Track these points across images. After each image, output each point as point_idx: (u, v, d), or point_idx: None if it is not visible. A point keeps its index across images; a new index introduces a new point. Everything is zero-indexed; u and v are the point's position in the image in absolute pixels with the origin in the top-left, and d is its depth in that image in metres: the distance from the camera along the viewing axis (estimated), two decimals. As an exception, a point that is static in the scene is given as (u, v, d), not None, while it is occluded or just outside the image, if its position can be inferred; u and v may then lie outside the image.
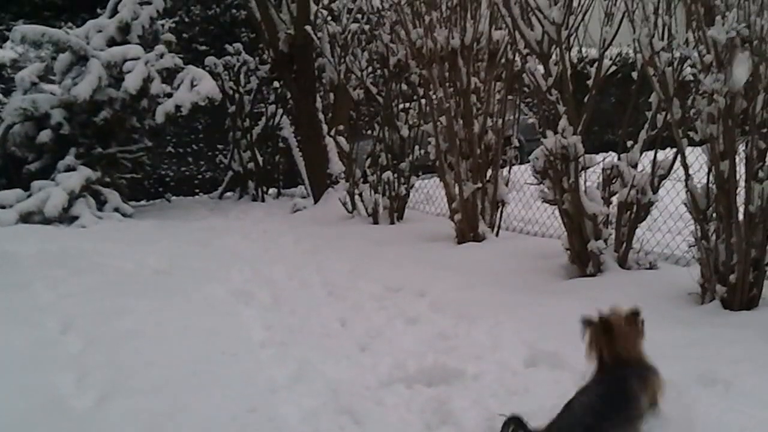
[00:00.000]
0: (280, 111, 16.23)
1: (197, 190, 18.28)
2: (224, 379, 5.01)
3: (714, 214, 6.32)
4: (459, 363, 5.03)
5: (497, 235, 9.65)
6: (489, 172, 9.58)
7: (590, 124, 7.87)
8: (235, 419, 4.38)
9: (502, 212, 9.81)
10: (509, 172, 9.90)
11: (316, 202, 14.05)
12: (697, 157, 6.56)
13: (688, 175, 6.53)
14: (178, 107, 13.21)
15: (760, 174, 6.00)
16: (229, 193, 17.10)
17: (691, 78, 6.56)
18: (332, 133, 12.77)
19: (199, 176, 18.49)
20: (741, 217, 6.09)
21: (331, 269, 8.31)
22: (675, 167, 7.22)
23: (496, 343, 5.48)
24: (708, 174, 6.34)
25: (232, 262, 8.98)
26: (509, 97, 9.74)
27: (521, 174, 9.98)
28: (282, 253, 9.74)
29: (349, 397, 4.62)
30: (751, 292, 6.15)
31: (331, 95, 13.87)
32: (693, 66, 6.44)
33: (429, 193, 12.65)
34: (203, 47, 17.39)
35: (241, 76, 16.15)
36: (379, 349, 5.59)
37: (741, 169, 6.09)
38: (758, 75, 5.88)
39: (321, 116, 14.10)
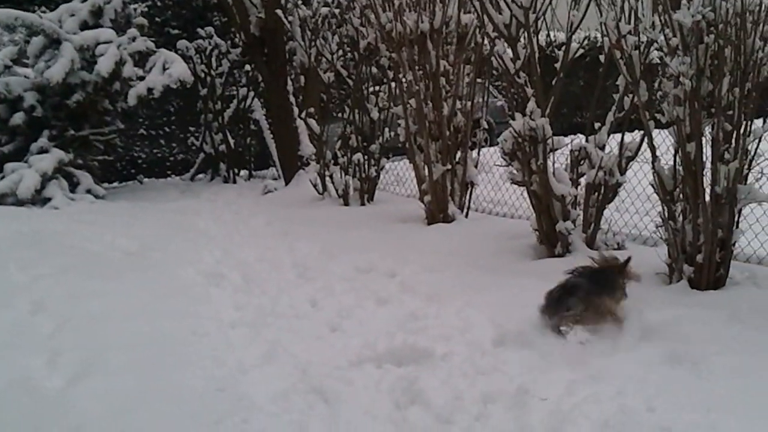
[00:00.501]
0: (252, 94, 16.05)
1: (169, 172, 18.03)
2: (194, 360, 4.89)
3: (681, 195, 6.26)
4: (428, 343, 4.92)
5: (467, 216, 9.55)
6: (458, 154, 9.48)
7: (558, 107, 7.78)
8: (205, 399, 4.28)
9: (471, 193, 9.71)
10: (478, 153, 9.79)
11: (287, 183, 13.89)
12: (664, 139, 6.49)
13: (655, 157, 6.46)
14: (150, 90, 12.98)
15: (726, 155, 5.94)
16: (200, 175, 16.91)
17: (658, 61, 6.46)
18: (303, 115, 12.62)
19: (171, 158, 18.23)
20: (707, 198, 6.04)
21: (301, 250, 8.16)
22: (642, 149, 7.15)
23: (466, 324, 5.37)
24: (675, 155, 6.27)
25: (204, 244, 8.82)
26: (478, 80, 9.63)
27: (490, 156, 9.91)
28: (253, 234, 9.57)
29: (319, 377, 4.51)
30: (717, 272, 6.10)
31: (302, 78, 13.68)
32: (659, 49, 6.35)
33: (399, 175, 12.53)
34: (175, 31, 17.11)
35: (213, 60, 15.93)
36: (349, 330, 5.48)
37: (707, 151, 6.03)
38: (723, 58, 5.80)
39: (292, 99, 13.96)
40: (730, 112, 5.91)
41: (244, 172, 16.44)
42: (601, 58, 7.40)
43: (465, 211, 9.57)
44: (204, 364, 4.81)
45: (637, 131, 7.12)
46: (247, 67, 15.86)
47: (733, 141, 5.94)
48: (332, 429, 3.89)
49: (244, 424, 3.97)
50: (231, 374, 4.68)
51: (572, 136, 7.86)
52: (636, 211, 8.19)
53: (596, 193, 7.57)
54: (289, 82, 14.13)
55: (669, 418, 3.66)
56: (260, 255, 8.16)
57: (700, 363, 4.38)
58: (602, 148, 7.52)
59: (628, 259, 5.55)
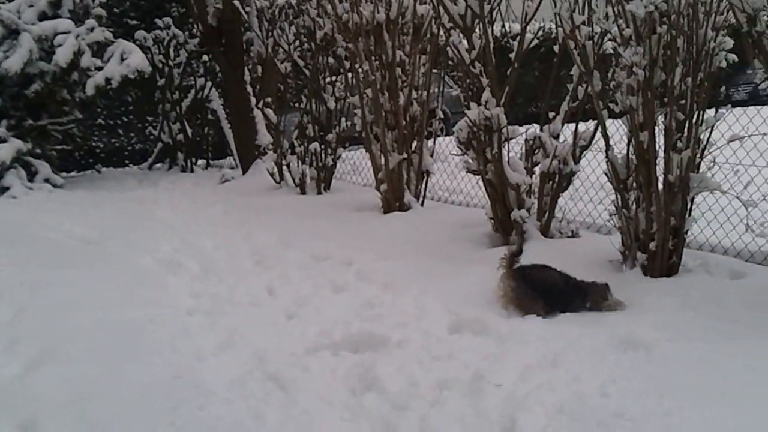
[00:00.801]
0: (209, 84, 15.96)
1: (127, 162, 17.81)
2: (152, 348, 4.80)
3: (634, 184, 6.23)
4: (384, 330, 4.85)
5: (422, 204, 9.48)
6: (414, 143, 9.40)
7: (514, 97, 7.73)
8: (161, 386, 4.18)
9: (427, 182, 9.64)
10: (434, 143, 9.72)
11: (244, 173, 13.76)
12: (617, 129, 6.46)
13: (608, 146, 6.44)
14: (108, 80, 12.86)
15: (679, 144, 5.92)
16: (158, 165, 16.77)
17: (612, 51, 6.42)
18: (260, 105, 12.49)
19: (129, 148, 18.02)
20: (660, 186, 6.02)
21: (258, 239, 8.05)
22: (596, 138, 7.12)
23: (421, 311, 5.31)
24: (628, 144, 6.24)
25: (161, 233, 8.69)
26: (434, 70, 9.56)
27: (446, 145, 9.85)
28: (210, 223, 9.42)
29: (276, 364, 4.43)
30: (670, 260, 6.09)
31: (259, 68, 13.55)
32: (613, 40, 6.31)
33: (356, 164, 12.45)
34: (134, 21, 16.88)
35: (171, 50, 15.81)
36: (306, 317, 5.40)
37: (660, 140, 6.01)
38: (676, 48, 5.78)
39: (249, 89, 13.84)
40: (683, 102, 5.89)
41: (201, 162, 16.32)
42: (556, 48, 7.35)
43: (421, 199, 9.50)
44: (161, 352, 4.72)
45: (591, 121, 7.08)
46: (205, 57, 15.80)
47: (686, 130, 5.93)
48: (288, 416, 3.80)
49: (200, 411, 3.88)
50: (188, 362, 4.60)
51: (528, 126, 7.81)
52: (590, 199, 8.18)
53: (550, 182, 7.53)
54: (247, 73, 14.02)
55: (623, 405, 3.61)
56: (217, 243, 8.04)
57: (654, 349, 4.34)
58: (556, 138, 7.48)
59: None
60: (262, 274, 6.68)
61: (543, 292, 5.34)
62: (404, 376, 4.16)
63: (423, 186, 9.58)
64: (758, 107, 6.25)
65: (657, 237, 6.00)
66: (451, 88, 10.64)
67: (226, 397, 4.04)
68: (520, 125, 7.68)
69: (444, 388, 3.97)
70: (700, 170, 6.04)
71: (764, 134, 6.06)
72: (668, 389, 3.79)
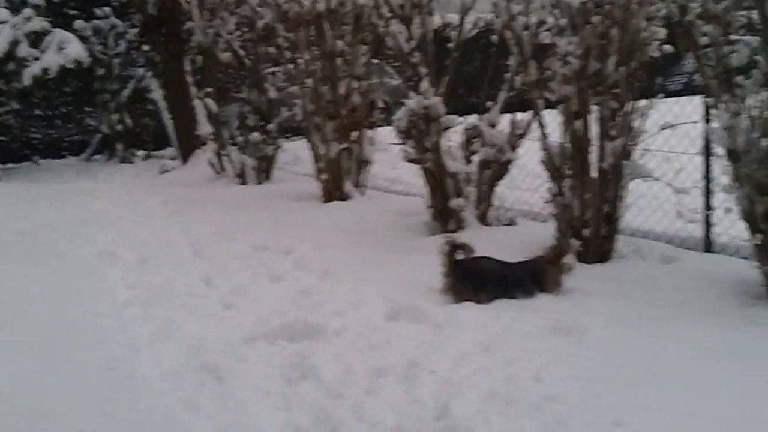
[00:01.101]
0: (150, 74, 15.63)
1: (66, 153, 17.33)
2: (86, 340, 4.74)
3: (569, 171, 6.28)
4: (322, 319, 4.82)
5: (363, 194, 9.43)
6: (355, 133, 9.35)
7: (454, 87, 7.72)
8: (95, 378, 4.14)
9: (367, 172, 9.60)
10: (374, 132, 9.69)
11: (184, 163, 13.55)
12: (555, 118, 6.48)
13: (544, 134, 6.47)
14: (45, 70, 12.62)
15: (612, 132, 5.98)
16: (97, 156, 16.41)
17: (548, 41, 6.45)
18: (200, 95, 12.32)
19: (68, 139, 17.54)
20: (594, 173, 6.07)
21: (197, 230, 7.93)
22: (534, 127, 7.15)
23: (359, 299, 5.28)
24: (563, 133, 6.28)
25: (98, 224, 8.52)
26: (375, 60, 9.53)
27: (387, 135, 9.82)
28: (149, 214, 9.28)
29: (211, 354, 4.38)
30: (604, 246, 6.16)
31: (200, 58, 13.35)
32: (549, 30, 6.35)
33: (297, 154, 12.30)
34: (73, 11, 16.48)
35: (110, 40, 15.43)
36: (243, 307, 5.34)
37: (595, 128, 6.06)
38: (610, 38, 5.83)
39: (190, 79, 13.59)
40: (616, 91, 5.95)
41: (142, 153, 16.01)
42: (495, 38, 7.37)
43: (361, 189, 9.46)
44: (96, 344, 4.66)
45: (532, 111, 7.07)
46: (145, 47, 15.43)
47: (619, 119, 5.99)
48: (223, 405, 3.75)
49: (132, 402, 3.84)
50: (122, 353, 4.54)
51: (469, 116, 7.81)
52: (528, 188, 8.22)
53: (488, 171, 7.56)
54: (187, 63, 13.77)
55: (555, 388, 3.64)
56: (155, 234, 7.91)
57: (587, 334, 4.39)
58: (494, 127, 7.51)
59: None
60: (200, 265, 6.58)
61: (482, 281, 5.34)
62: (340, 364, 4.13)
63: (363, 175, 9.55)
64: (692, 97, 6.31)
65: (591, 224, 6.06)
66: (393, 78, 10.66)
67: (159, 387, 3.99)
68: (462, 115, 7.68)
69: (380, 375, 3.95)
70: (633, 158, 6.12)
71: (695, 122, 6.13)
72: (598, 372, 3.84)
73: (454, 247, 5.43)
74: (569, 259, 5.38)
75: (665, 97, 6.27)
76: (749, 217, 4.97)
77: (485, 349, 4.22)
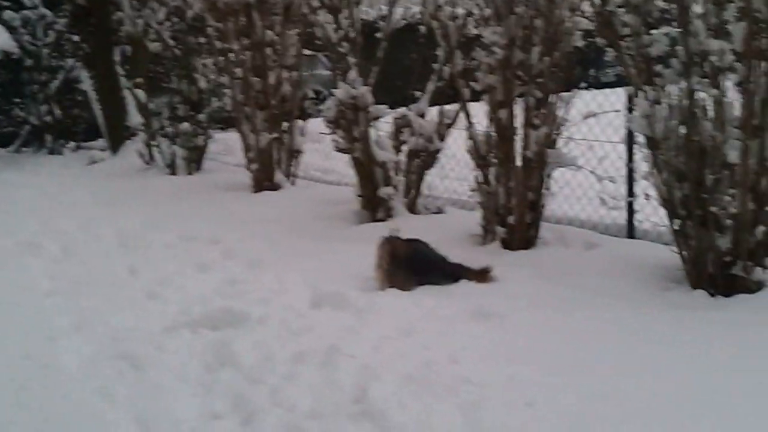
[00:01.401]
0: (79, 64, 15.32)
1: (-7, 145, 17.05)
2: (4, 330, 4.70)
3: (495, 160, 6.32)
4: (245, 307, 4.76)
5: (293, 183, 9.40)
6: (285, 123, 9.30)
7: (389, 79, 7.73)
8: (10, 366, 4.10)
9: (298, 161, 9.56)
10: (305, 122, 9.65)
11: (114, 154, 13.36)
12: (482, 107, 6.51)
13: (470, 123, 6.51)
14: (-28, 62, 12.28)
15: (536, 121, 6.03)
16: (26, 148, 16.06)
17: (474, 31, 6.48)
18: (130, 85, 12.14)
19: (-4, 130, 17.25)
20: (519, 162, 6.12)
21: (125, 220, 7.79)
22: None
23: (284, 287, 5.26)
24: (489, 122, 6.31)
25: (24, 215, 8.39)
26: (306, 50, 9.48)
27: (318, 125, 9.79)
28: (76, 205, 9.09)
29: (131, 343, 4.33)
30: (528, 233, 6.22)
31: (129, 48, 13.16)
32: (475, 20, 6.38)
33: (229, 145, 12.18)
34: (1, 2, 16.14)
35: (39, 30, 15.12)
36: (167, 296, 5.27)
37: (520, 117, 6.10)
38: (534, 28, 5.88)
39: (119, 69, 13.43)
40: (540, 80, 6.00)
41: (72, 144, 15.72)
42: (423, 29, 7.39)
43: (292, 178, 9.42)
44: (14, 333, 4.62)
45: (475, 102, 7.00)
46: (75, 37, 15.14)
47: (543, 108, 6.04)
48: (138, 393, 3.71)
49: (46, 390, 3.81)
50: (40, 343, 4.48)
51: (405, 108, 7.81)
52: (456, 177, 8.27)
53: (417, 160, 7.59)
54: (116, 53, 13.59)
55: (470, 370, 3.66)
56: (81, 225, 7.75)
57: (506, 318, 4.43)
58: (423, 116, 7.53)
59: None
60: (126, 255, 6.48)
61: (414, 268, 5.35)
62: (260, 350, 4.10)
63: (294, 165, 9.50)
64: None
65: (515, 211, 6.11)
66: (326, 68, 10.65)
67: (75, 376, 3.94)
68: (400, 107, 7.67)
69: (299, 361, 3.92)
70: (557, 146, 6.19)
71: (617, 111, 6.21)
72: (515, 355, 3.87)
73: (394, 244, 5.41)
74: (493, 277, 5.39)
75: (598, 88, 6.36)
76: (668, 203, 5.05)
77: (405, 334, 4.23)
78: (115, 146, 13.53)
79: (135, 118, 12.44)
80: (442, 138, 7.50)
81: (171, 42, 11.34)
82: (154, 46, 11.68)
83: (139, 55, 12.30)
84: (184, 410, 3.52)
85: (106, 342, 4.39)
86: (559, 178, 6.72)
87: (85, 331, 4.62)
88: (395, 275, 5.28)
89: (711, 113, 4.75)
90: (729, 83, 4.69)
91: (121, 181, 10.73)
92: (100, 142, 14.75)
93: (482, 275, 5.34)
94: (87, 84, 15.13)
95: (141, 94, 11.72)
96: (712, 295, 4.77)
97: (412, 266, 5.35)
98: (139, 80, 11.92)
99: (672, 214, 5.03)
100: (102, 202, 9.15)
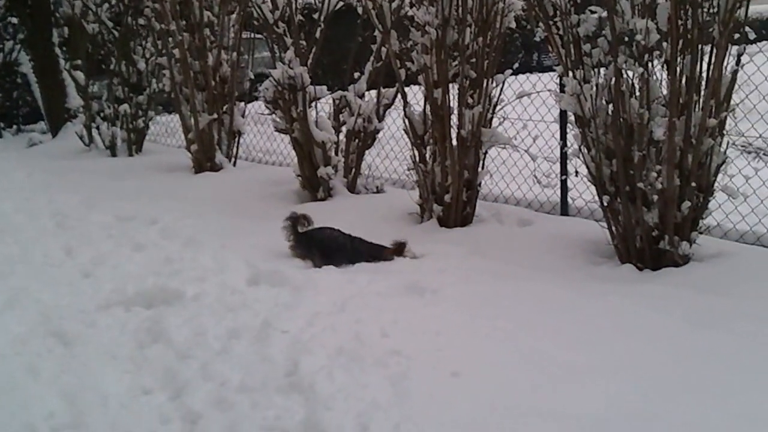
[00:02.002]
0: (18, 47, 15.01)
1: (-69, 129, 16.65)
2: None
3: (431, 140, 6.37)
4: (180, 285, 4.74)
5: (234, 164, 9.35)
6: (225, 105, 9.25)
7: (325, 58, 7.74)
8: None
9: (238, 142, 9.51)
10: (246, 104, 9.62)
11: (54, 136, 13.13)
12: (421, 88, 6.53)
13: (406, 103, 6.54)
14: None
15: (471, 101, 6.09)
16: (-35, 132, 15.75)
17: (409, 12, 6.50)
18: (68, 67, 11.95)
19: (-67, 115, 16.84)
20: (455, 141, 6.18)
21: (62, 201, 7.67)
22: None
23: (221, 266, 5.23)
24: (425, 101, 6.36)
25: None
26: (248, 33, 9.44)
27: (262, 107, 9.75)
28: (12, 187, 8.89)
29: (62, 321, 4.28)
30: (464, 211, 6.29)
31: (66, 29, 12.94)
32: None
33: (171, 127, 12.08)
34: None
35: (-23, 13, 14.79)
36: (102, 276, 5.20)
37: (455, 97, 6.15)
38: (467, 8, 5.92)
39: (57, 51, 13.21)
40: (474, 60, 6.05)
41: (13, 128, 15.44)
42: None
43: (233, 159, 9.37)
44: None
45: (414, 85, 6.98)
46: (14, 19, 14.83)
47: (477, 88, 6.10)
48: (65, 369, 3.67)
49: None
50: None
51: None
52: (395, 156, 8.31)
53: (356, 140, 7.62)
54: (55, 34, 13.35)
55: (400, 342, 3.70)
56: (18, 206, 7.61)
57: (438, 292, 4.49)
58: (362, 97, 7.55)
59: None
60: (62, 235, 6.39)
61: (323, 249, 5.49)
62: (193, 327, 4.09)
63: (234, 146, 9.46)
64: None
65: (451, 189, 6.17)
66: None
67: (3, 353, 3.87)
68: (340, 89, 7.66)
69: (233, 336, 3.93)
70: (492, 126, 6.26)
71: (549, 90, 6.30)
72: (445, 328, 3.93)
73: (296, 220, 5.62)
74: (410, 252, 5.49)
75: (540, 71, 6.41)
76: (597, 180, 5.14)
77: (339, 309, 4.26)
78: (55, 129, 13.30)
79: (75, 101, 12.27)
80: (380, 118, 7.53)
81: (109, 23, 11.17)
82: (92, 28, 11.49)
83: (78, 37, 12.10)
84: (113, 385, 3.49)
85: (38, 320, 4.33)
86: (495, 156, 6.81)
87: (16, 309, 4.54)
88: (298, 248, 5.52)
89: (638, 92, 4.86)
90: (655, 62, 4.80)
91: (60, 163, 10.53)
92: (41, 125, 14.51)
93: (398, 250, 5.45)
94: (27, 66, 14.84)
95: (80, 76, 11.54)
96: (640, 269, 4.90)
97: (322, 248, 5.51)
98: (77, 62, 11.74)
99: (601, 191, 5.13)
100: (39, 184, 8.98)
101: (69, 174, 9.52)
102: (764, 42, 5.73)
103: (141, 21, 10.56)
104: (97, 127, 11.24)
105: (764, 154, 7.49)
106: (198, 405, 3.25)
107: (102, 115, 11.27)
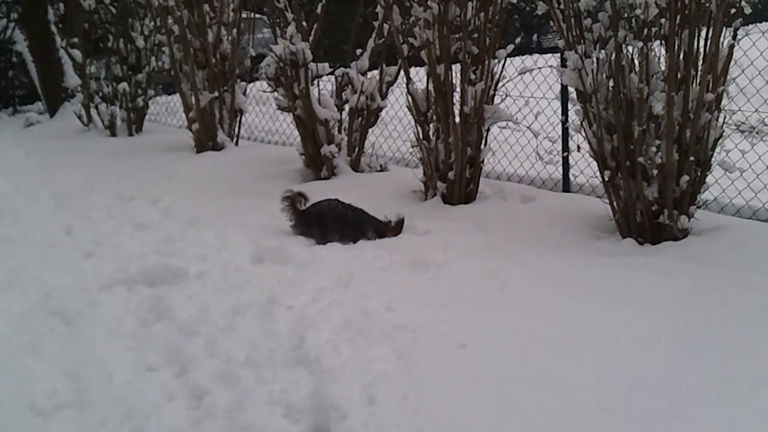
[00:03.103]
0: (12, 24, 15.03)
1: (-75, 109, 16.70)
2: None
3: (434, 116, 6.45)
4: (183, 263, 4.82)
5: (236, 144, 9.41)
6: (228, 82, 9.31)
7: (327, 35, 7.79)
8: None
9: (240, 121, 9.57)
10: (248, 82, 9.68)
11: (51, 116, 13.17)
12: (424, 66, 6.59)
13: (409, 79, 6.60)
14: None
15: (473, 77, 6.16)
16: (-41, 113, 15.80)
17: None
18: (64, 45, 11.99)
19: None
20: (457, 118, 6.26)
21: (62, 182, 7.78)
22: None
23: (224, 244, 5.33)
24: (427, 78, 6.43)
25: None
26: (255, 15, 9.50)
27: (264, 86, 9.81)
28: (10, 167, 9.01)
29: (63, 300, 4.34)
30: (468, 188, 6.36)
31: (62, 6, 12.95)
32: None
33: (172, 106, 12.13)
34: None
35: (-30, -9, 14.81)
36: (103, 255, 5.28)
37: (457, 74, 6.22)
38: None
39: (54, 29, 13.22)
40: (476, 36, 6.12)
41: (9, 108, 15.51)
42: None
43: (235, 138, 9.43)
44: None
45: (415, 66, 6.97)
46: (7, -4, 14.88)
47: (480, 64, 6.17)
48: (67, 348, 3.75)
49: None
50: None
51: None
52: (399, 135, 8.40)
53: (359, 118, 7.68)
54: (51, 12, 13.36)
55: (405, 316, 3.80)
56: (16, 187, 7.71)
57: (443, 268, 4.59)
58: (364, 74, 7.62)
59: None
60: (62, 215, 6.48)
61: (324, 222, 5.58)
62: (196, 304, 4.18)
63: (237, 125, 9.52)
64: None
65: (455, 166, 6.24)
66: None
67: (3, 332, 3.93)
68: (342, 66, 7.73)
69: (237, 313, 4.02)
70: (494, 102, 6.34)
71: (550, 67, 6.37)
72: (449, 301, 4.02)
73: (293, 198, 5.71)
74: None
75: (540, 53, 6.48)
76: (599, 155, 5.23)
77: (343, 285, 4.35)
78: (52, 109, 13.33)
79: (72, 80, 12.33)
80: (383, 96, 7.61)
81: (106, 0, 11.20)
82: (88, 5, 11.51)
83: (74, 15, 12.13)
84: (116, 363, 3.57)
85: (39, 300, 4.39)
86: (497, 134, 6.89)
87: (15, 289, 4.61)
88: (300, 226, 5.62)
89: (638, 67, 4.95)
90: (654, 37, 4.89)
91: (59, 143, 10.59)
92: (38, 105, 14.57)
93: (397, 228, 5.57)
94: (22, 45, 14.88)
95: (77, 54, 11.58)
96: (641, 243, 4.98)
97: (322, 221, 5.59)
98: (75, 40, 11.76)
99: (603, 166, 5.21)
100: (38, 164, 9.08)
101: (68, 154, 9.60)
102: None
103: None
104: (96, 107, 11.29)
105: (757, 132, 7.61)
106: (204, 381, 3.33)
107: (100, 94, 11.31)
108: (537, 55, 7.45)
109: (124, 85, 10.91)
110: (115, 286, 4.58)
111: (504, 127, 6.69)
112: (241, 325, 3.90)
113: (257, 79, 9.73)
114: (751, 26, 5.58)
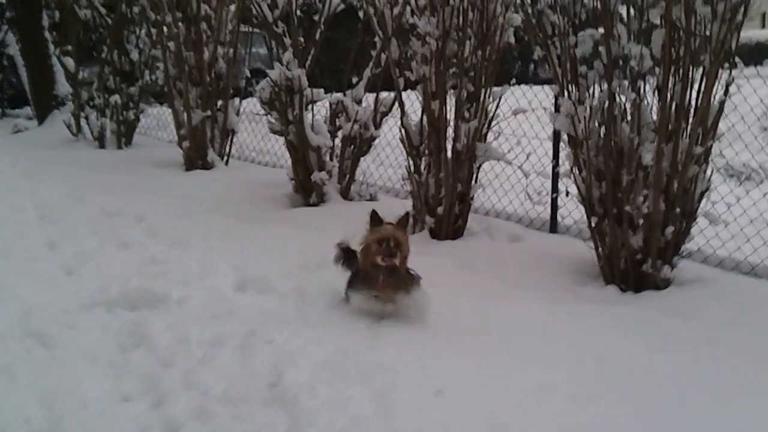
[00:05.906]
0: (5, 28, 15.08)
1: None
2: None
3: (426, 151, 6.54)
4: (165, 287, 4.82)
5: (227, 163, 9.49)
6: (220, 101, 9.40)
7: (325, 60, 7.88)
8: None
9: (231, 141, 9.65)
10: (240, 101, 9.76)
11: (40, 123, 13.23)
12: (418, 97, 6.70)
13: (403, 112, 6.69)
14: None
15: (467, 114, 6.26)
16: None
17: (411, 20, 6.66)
18: (57, 52, 12.05)
19: None
20: (449, 154, 6.36)
21: (47, 193, 7.80)
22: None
23: (207, 269, 5.34)
24: (422, 113, 6.53)
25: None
26: (245, 28, 9.58)
27: (257, 105, 9.88)
28: (-5, 175, 9.06)
29: (42, 320, 4.30)
30: (456, 224, 6.45)
31: (57, 13, 13.03)
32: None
33: (164, 120, 12.19)
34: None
35: (-37, -8, 14.86)
36: (85, 274, 5.28)
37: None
38: (467, 21, 6.08)
39: (47, 35, 13.27)
40: (473, 74, 6.23)
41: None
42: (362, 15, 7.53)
43: (225, 158, 9.51)
44: None
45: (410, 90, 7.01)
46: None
47: (474, 101, 6.28)
48: (44, 373, 3.72)
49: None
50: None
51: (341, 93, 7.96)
52: (390, 164, 8.48)
53: (352, 146, 7.78)
54: (45, 18, 13.42)
55: (386, 357, 3.82)
56: (0, 196, 7.74)
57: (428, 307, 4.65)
58: (359, 103, 7.72)
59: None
60: (46, 228, 6.48)
61: None
62: (176, 332, 4.16)
63: (228, 144, 9.59)
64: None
65: (444, 202, 6.34)
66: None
67: (-22, 355, 3.89)
68: (337, 92, 7.85)
69: (216, 344, 4.01)
70: (487, 140, 6.44)
71: (544, 108, 6.47)
72: (430, 343, 4.06)
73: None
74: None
75: (536, 84, 6.58)
76: (587, 201, 5.34)
77: (324, 321, 4.37)
78: (41, 116, 13.38)
79: (63, 88, 12.38)
80: (377, 126, 7.71)
81: (102, 9, 11.29)
82: (84, 13, 11.61)
83: (69, 22, 12.20)
84: (93, 391, 3.54)
85: (17, 318, 4.34)
86: (488, 170, 6.98)
87: (-7, 306, 4.57)
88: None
89: (629, 117, 5.06)
90: (648, 88, 5.00)
91: (46, 152, 10.62)
92: (27, 110, 14.60)
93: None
94: (14, 48, 14.93)
95: (70, 62, 11.64)
96: (623, 290, 5.09)
97: None
98: (67, 48, 11.83)
99: (590, 212, 5.32)
100: (23, 173, 9.09)
101: (55, 164, 9.63)
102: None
103: (136, 9, 10.71)
104: (86, 117, 11.34)
105: (746, 178, 7.75)
106: (179, 414, 3.33)
107: (91, 104, 11.37)
108: (532, 85, 7.55)
109: (116, 98, 10.97)
110: (96, 307, 4.57)
111: (495, 164, 6.76)
112: (220, 357, 3.90)
113: (251, 94, 9.82)
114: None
